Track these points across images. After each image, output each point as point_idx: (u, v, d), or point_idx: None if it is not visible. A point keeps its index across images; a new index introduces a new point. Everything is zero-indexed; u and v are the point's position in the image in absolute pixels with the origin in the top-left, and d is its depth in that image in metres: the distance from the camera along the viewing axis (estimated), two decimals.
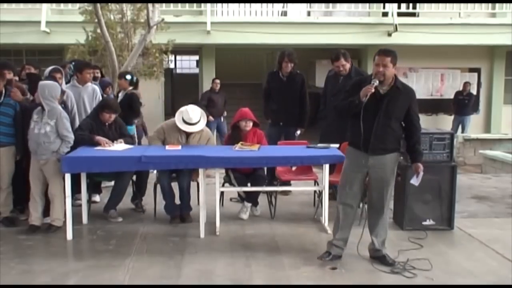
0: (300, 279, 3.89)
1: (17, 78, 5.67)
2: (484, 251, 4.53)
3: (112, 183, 5.48)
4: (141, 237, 4.84)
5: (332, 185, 5.31)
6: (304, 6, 12.57)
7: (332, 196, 5.30)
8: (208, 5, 11.33)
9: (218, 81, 10.93)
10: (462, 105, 12.65)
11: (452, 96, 12.90)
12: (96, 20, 8.27)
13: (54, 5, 11.47)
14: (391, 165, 4.07)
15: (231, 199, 6.04)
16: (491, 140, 10.80)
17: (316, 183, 5.56)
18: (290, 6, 12.82)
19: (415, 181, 4.15)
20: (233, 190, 5.68)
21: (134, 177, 5.59)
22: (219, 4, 12.05)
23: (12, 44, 10.91)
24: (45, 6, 10.97)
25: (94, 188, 5.95)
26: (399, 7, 11.74)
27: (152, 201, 5.46)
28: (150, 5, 8.54)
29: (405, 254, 4.32)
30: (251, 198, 5.46)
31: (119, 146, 5.20)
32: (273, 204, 5.54)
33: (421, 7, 12.08)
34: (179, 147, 5.15)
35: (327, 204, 5.07)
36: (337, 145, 5.26)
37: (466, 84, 12.74)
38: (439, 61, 12.90)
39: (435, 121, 13.01)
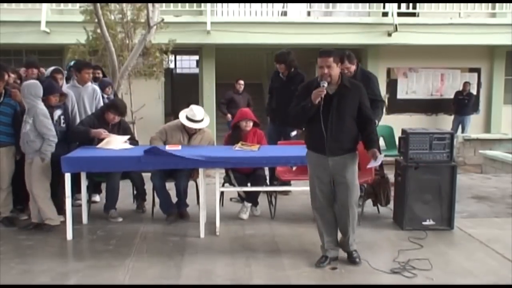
0: (300, 279, 3.89)
1: (18, 80, 5.70)
2: (484, 251, 4.53)
3: None
4: (141, 237, 4.85)
5: None
6: (304, 6, 12.55)
7: None
8: (208, 5, 11.32)
9: (242, 82, 10.62)
10: (462, 105, 12.64)
11: (452, 96, 12.88)
12: (96, 20, 8.26)
13: (54, 5, 11.45)
14: (351, 165, 4.02)
15: (231, 199, 6.05)
16: (491, 140, 10.77)
17: None
18: (290, 6, 12.82)
19: (372, 164, 4.04)
20: (233, 190, 5.68)
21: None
22: (219, 4, 12.04)
23: (12, 44, 10.88)
24: (45, 6, 10.95)
25: (94, 188, 5.96)
26: (399, 7, 11.71)
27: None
28: (150, 5, 8.52)
29: (405, 254, 4.32)
30: (251, 198, 5.47)
31: (118, 139, 5.20)
32: (273, 204, 5.54)
33: (421, 7, 12.05)
34: (179, 147, 5.15)
35: None
36: None
37: (466, 84, 12.74)
38: (439, 61, 12.88)
39: (435, 121, 13.01)
